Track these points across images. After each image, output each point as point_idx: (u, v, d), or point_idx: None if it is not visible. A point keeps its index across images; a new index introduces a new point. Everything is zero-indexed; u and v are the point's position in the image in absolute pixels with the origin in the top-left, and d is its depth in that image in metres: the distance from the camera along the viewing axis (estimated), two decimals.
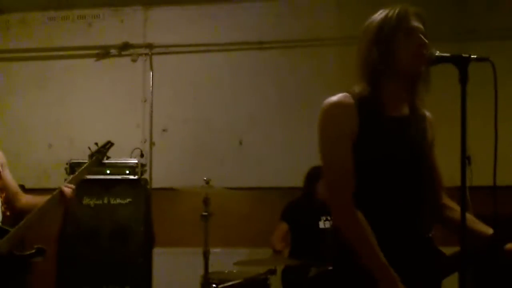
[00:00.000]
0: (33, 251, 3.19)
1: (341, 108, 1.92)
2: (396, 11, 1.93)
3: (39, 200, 3.25)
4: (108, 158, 3.56)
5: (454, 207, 2.08)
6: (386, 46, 1.91)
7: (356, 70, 1.98)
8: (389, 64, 1.92)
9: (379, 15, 1.97)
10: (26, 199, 3.31)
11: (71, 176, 3.47)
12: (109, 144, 3.59)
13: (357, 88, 1.95)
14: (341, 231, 1.91)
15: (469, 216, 1.95)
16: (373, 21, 1.97)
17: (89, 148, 3.52)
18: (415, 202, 1.95)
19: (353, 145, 1.89)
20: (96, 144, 3.54)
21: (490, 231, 1.97)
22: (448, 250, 1.96)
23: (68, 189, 3.22)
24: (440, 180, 2.11)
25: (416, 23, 1.94)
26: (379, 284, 1.81)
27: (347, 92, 1.95)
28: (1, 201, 3.17)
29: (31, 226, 3.17)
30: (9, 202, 3.24)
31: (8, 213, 3.20)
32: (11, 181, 3.30)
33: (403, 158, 1.94)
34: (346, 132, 1.90)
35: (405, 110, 2.00)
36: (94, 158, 3.50)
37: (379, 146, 1.91)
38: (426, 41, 1.91)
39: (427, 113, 2.08)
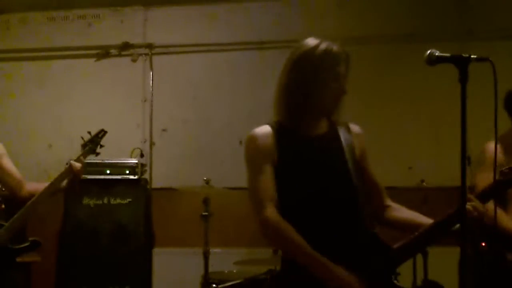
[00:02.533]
0: (27, 244, 3.12)
1: (259, 138, 2.17)
2: (328, 51, 2.06)
3: (44, 184, 3.19)
4: (102, 147, 3.42)
5: (399, 207, 2.21)
6: (311, 85, 2.05)
7: (276, 100, 2.22)
8: (310, 101, 2.07)
9: (310, 48, 2.09)
10: (30, 186, 3.26)
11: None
12: (102, 133, 3.45)
13: (277, 118, 2.17)
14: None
15: (410, 212, 2.15)
16: (303, 53, 2.09)
17: (82, 138, 3.40)
18: (344, 213, 2.03)
19: (275, 168, 2.09)
20: (89, 133, 3.41)
21: (430, 221, 2.05)
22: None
23: (78, 163, 3.20)
24: (378, 185, 2.22)
25: (343, 69, 2.07)
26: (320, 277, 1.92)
27: (267, 123, 2.19)
28: None
29: (41, 201, 3.13)
30: (12, 190, 3.20)
31: (2, 206, 3.17)
32: (12, 170, 3.25)
33: (323, 172, 2.05)
34: (267, 159, 2.11)
35: (323, 128, 2.14)
36: (87, 148, 3.37)
37: (298, 166, 2.05)
38: (346, 89, 2.07)
39: (351, 126, 2.20)
